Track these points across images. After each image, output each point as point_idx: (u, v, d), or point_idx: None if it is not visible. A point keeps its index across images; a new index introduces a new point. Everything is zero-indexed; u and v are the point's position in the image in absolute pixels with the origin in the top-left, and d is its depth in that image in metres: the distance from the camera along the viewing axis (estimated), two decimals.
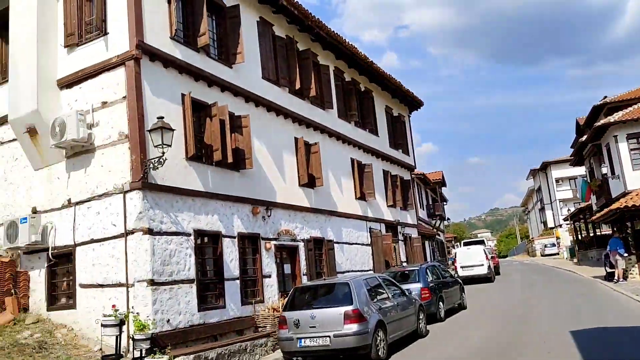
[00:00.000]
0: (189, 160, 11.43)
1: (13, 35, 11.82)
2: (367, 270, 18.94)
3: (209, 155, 12.13)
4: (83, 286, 10.73)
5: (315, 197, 16.40)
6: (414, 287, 14.61)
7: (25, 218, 11.13)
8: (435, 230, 40.91)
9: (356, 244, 18.70)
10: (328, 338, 9.64)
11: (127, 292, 10.06)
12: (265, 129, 14.47)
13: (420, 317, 12.51)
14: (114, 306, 9.07)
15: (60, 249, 11.16)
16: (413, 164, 25.86)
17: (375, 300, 10.59)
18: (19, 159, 12.19)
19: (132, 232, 10.16)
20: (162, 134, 10.00)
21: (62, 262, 11.21)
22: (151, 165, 10.20)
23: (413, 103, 25.94)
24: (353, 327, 9.59)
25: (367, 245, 19.51)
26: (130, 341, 9.38)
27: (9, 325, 10.55)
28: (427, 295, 14.55)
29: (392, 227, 22.19)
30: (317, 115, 17.07)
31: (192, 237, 11.18)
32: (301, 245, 15.24)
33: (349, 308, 9.71)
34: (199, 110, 12.24)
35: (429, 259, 30.71)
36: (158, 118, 10.19)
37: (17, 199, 12.14)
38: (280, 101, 15.15)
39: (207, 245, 11.90)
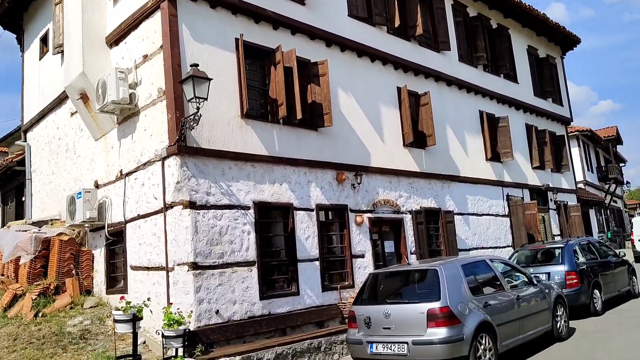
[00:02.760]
0: (245, 118, 9.44)
1: None
2: (504, 247, 15.57)
3: (274, 112, 10.03)
4: (133, 268, 9.45)
5: (427, 159, 13.49)
6: (557, 271, 11.23)
7: (80, 193, 10.14)
8: (608, 196, 34.66)
9: (488, 215, 15.37)
10: (405, 345, 7.06)
11: (167, 277, 8.49)
12: (356, 78, 11.94)
13: (559, 313, 9.23)
14: (122, 297, 7.50)
15: (115, 226, 10.01)
16: (569, 116, 21.16)
17: (481, 293, 7.69)
18: (84, 130, 11.28)
19: (170, 206, 8.51)
20: (194, 84, 8.09)
21: (118, 240, 10.06)
22: (187, 125, 8.39)
23: (566, 41, 21.11)
24: (440, 332, 6.88)
25: (503, 216, 16.03)
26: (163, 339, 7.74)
27: (64, 310, 9.67)
28: (575, 281, 11.04)
29: (539, 193, 18.22)
30: (427, 59, 14.00)
31: (251, 211, 9.24)
32: (407, 217, 12.55)
33: (435, 305, 7.00)
34: (262, 58, 10.18)
35: (595, 231, 25.62)
36: (191, 66, 8.30)
37: (84, 173, 11.30)
38: (374, 43, 12.43)
39: (274, 220, 9.89)
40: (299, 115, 9.96)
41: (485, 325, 7.27)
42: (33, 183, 13.81)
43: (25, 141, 14.19)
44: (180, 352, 7.59)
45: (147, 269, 9.02)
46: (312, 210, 10.34)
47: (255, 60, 10.15)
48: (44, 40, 13.42)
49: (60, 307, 9.69)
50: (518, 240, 15.92)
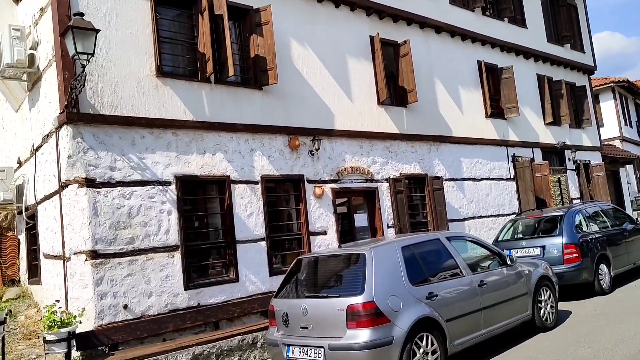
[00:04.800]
0: (161, 77, 8.00)
1: None
2: (508, 215, 13.79)
3: (203, 69, 8.54)
4: (45, 256, 8.31)
5: (410, 118, 11.78)
6: (553, 244, 9.54)
7: None
8: None
9: (488, 179, 13.58)
10: (322, 350, 5.63)
11: (64, 268, 7.27)
12: (315, 27, 10.26)
13: (543, 297, 7.58)
14: None
15: (32, 209, 8.86)
16: (592, 64, 18.75)
17: (427, 281, 6.15)
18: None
19: (65, 185, 7.23)
20: (75, 38, 6.65)
21: (35, 224, 8.90)
22: (77, 88, 7.01)
23: None
24: (361, 335, 5.42)
25: (507, 179, 14.20)
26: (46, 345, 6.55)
27: None
28: (575, 255, 9.32)
29: (554, 152, 16.22)
30: (408, 3, 12.08)
31: (172, 187, 7.88)
32: (383, 186, 10.96)
33: (357, 300, 5.52)
34: (188, 7, 8.65)
35: (630, 192, 23.22)
36: (74, 15, 6.86)
37: (11, 149, 10.17)
38: None
39: (206, 196, 8.53)
40: (231, 72, 8.45)
41: (426, 321, 5.77)
42: None
43: None
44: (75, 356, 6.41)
45: (54, 257, 7.85)
46: (256, 182, 8.91)
47: (183, 10, 8.66)
48: None
49: None
50: (526, 207, 14.11)
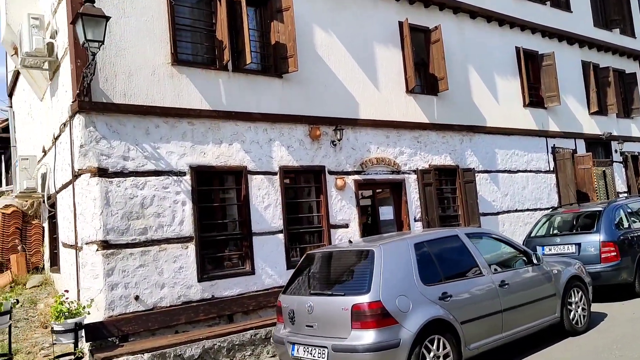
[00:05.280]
0: (177, 65, 7.85)
1: None
2: (547, 209, 13.08)
3: (220, 57, 8.35)
4: (63, 245, 8.35)
5: (440, 107, 11.28)
6: (590, 242, 8.94)
7: (17, 161, 9.12)
8: None
9: (525, 171, 12.93)
10: (325, 351, 5.37)
11: (77, 258, 7.26)
12: (340, 13, 9.90)
13: (573, 299, 7.06)
14: None
15: (53, 197, 8.93)
16: None
17: (441, 280, 5.76)
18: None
19: (78, 175, 7.19)
20: (84, 25, 6.55)
21: (55, 213, 8.97)
22: (88, 76, 6.93)
23: None
24: (366, 336, 5.12)
25: (546, 172, 13.49)
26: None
27: (3, 290, 8.79)
28: (613, 254, 8.70)
29: (599, 143, 15.33)
30: None
31: (187, 177, 7.75)
32: (411, 178, 10.54)
33: (363, 300, 5.21)
34: None
35: None
36: (85, 2, 6.77)
37: (38, 138, 10.30)
38: None
39: (221, 187, 8.37)
40: (248, 60, 8.23)
41: (438, 323, 5.41)
42: (18, 150, 13.13)
43: (11, 106, 13.47)
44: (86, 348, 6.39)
45: (70, 246, 7.87)
46: (274, 173, 8.69)
47: None
48: None
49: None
50: (566, 201, 13.39)
